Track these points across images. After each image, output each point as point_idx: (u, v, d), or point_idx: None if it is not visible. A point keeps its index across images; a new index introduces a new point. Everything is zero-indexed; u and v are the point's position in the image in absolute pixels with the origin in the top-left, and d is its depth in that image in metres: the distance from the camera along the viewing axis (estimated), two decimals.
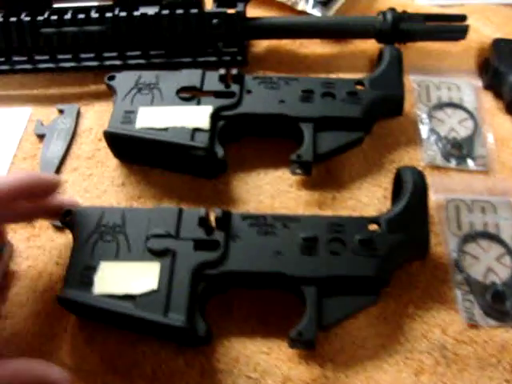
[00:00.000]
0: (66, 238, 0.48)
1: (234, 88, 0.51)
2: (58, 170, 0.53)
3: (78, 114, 0.57)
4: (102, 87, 0.58)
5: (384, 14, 0.56)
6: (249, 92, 0.52)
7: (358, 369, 0.41)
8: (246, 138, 0.53)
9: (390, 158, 0.52)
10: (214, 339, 0.42)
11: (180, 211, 0.44)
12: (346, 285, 0.42)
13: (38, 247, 0.48)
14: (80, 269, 0.42)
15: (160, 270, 0.41)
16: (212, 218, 0.44)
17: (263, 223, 0.44)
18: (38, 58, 0.58)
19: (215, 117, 0.50)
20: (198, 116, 0.49)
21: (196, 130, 0.49)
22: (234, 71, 0.51)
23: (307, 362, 0.42)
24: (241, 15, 0.55)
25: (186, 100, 0.51)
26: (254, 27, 0.57)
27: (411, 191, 0.44)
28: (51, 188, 0.44)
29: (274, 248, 0.43)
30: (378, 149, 0.53)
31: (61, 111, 0.57)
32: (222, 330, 0.43)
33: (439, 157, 0.52)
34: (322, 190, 0.50)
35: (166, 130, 0.49)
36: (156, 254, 0.42)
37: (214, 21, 0.55)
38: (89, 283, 0.41)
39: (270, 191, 0.50)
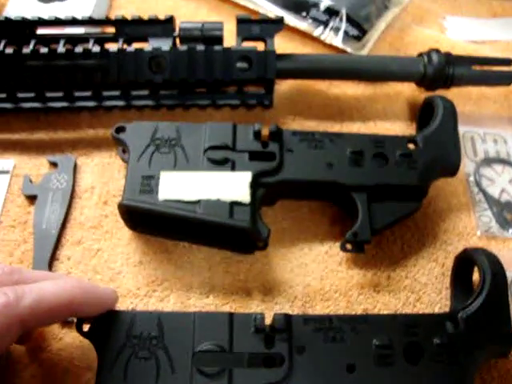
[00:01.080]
0: (76, 336, 0.38)
1: (273, 147, 0.43)
2: (58, 243, 0.42)
3: (75, 168, 0.46)
4: (101, 132, 0.48)
5: (429, 55, 0.49)
6: (289, 151, 0.43)
7: None
8: (281, 201, 0.45)
9: (443, 226, 0.45)
10: None
11: (231, 318, 0.36)
12: None
13: (41, 349, 0.38)
14: None
15: None
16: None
17: (329, 327, 0.36)
18: (21, 95, 0.47)
19: (254, 185, 0.41)
20: (236, 185, 0.40)
21: (234, 203, 0.40)
22: (272, 127, 0.43)
23: None
24: (273, 53, 0.46)
25: (218, 163, 0.42)
26: (286, 66, 0.47)
27: (491, 283, 0.38)
28: (105, 306, 0.35)
29: (346, 360, 0.35)
30: (428, 216, 0.46)
31: (53, 164, 0.46)
32: None
33: (495, 224, 0.46)
34: (374, 268, 0.43)
35: (197, 203, 0.40)
36: (209, 377, 0.34)
37: (242, 60, 0.46)
38: None
39: (318, 271, 0.42)
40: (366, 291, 0.42)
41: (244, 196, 0.40)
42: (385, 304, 0.42)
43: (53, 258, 0.42)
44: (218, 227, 0.40)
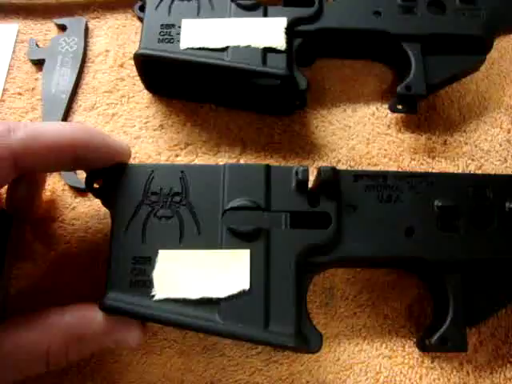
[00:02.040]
0: (91, 205, 0.32)
1: None
2: (69, 110, 0.35)
3: (86, 31, 0.38)
4: None
5: None
6: None
7: None
8: (319, 60, 0.37)
9: (509, 90, 0.37)
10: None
11: (268, 170, 0.28)
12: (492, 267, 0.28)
13: (52, 219, 0.32)
14: (128, 262, 0.26)
15: (251, 261, 0.26)
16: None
17: (384, 185, 0.28)
18: None
19: (290, 32, 0.33)
20: (269, 31, 0.32)
21: (268, 49, 0.32)
22: None
23: None
24: None
25: (248, 9, 0.33)
26: None
27: None
28: (115, 157, 0.28)
29: (404, 222, 0.28)
30: (492, 78, 0.37)
31: (62, 27, 0.38)
32: (327, 327, 0.29)
33: None
34: (429, 132, 0.35)
35: (224, 50, 0.32)
36: (242, 237, 0.26)
37: None
38: (145, 284, 0.26)
39: (364, 134, 0.35)
40: (419, 157, 0.34)
41: (279, 41, 0.32)
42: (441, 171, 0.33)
43: None
44: (249, 78, 0.32)
